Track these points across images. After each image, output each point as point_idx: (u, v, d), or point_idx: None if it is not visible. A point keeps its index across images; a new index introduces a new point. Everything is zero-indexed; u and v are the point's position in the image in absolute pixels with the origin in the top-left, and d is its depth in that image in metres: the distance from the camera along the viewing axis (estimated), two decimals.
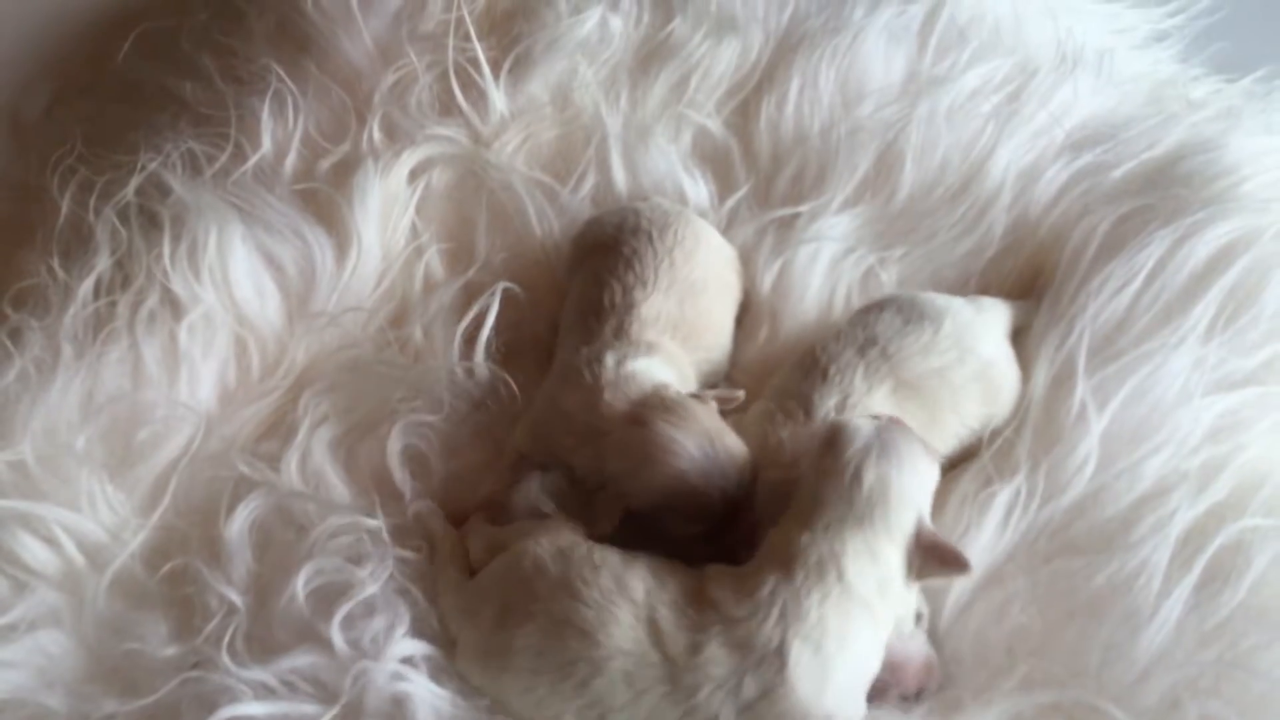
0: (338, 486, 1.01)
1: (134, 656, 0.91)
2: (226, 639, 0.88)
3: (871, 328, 1.01)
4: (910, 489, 0.87)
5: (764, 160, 1.23)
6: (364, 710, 0.85)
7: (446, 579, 0.93)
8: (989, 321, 1.04)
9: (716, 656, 0.81)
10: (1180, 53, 1.45)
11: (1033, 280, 1.12)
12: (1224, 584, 0.89)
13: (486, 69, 1.27)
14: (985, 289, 1.12)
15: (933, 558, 0.85)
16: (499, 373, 1.07)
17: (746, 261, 1.15)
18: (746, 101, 1.28)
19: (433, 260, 1.19)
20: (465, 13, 1.29)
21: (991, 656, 0.90)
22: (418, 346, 1.12)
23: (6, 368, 1.06)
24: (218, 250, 1.12)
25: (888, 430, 0.89)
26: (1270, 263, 1.04)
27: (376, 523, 0.95)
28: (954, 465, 0.99)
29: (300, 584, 0.90)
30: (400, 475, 1.01)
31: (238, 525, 0.95)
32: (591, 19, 1.30)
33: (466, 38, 1.28)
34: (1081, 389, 0.98)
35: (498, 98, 1.26)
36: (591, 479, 0.96)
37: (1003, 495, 0.95)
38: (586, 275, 1.09)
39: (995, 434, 0.99)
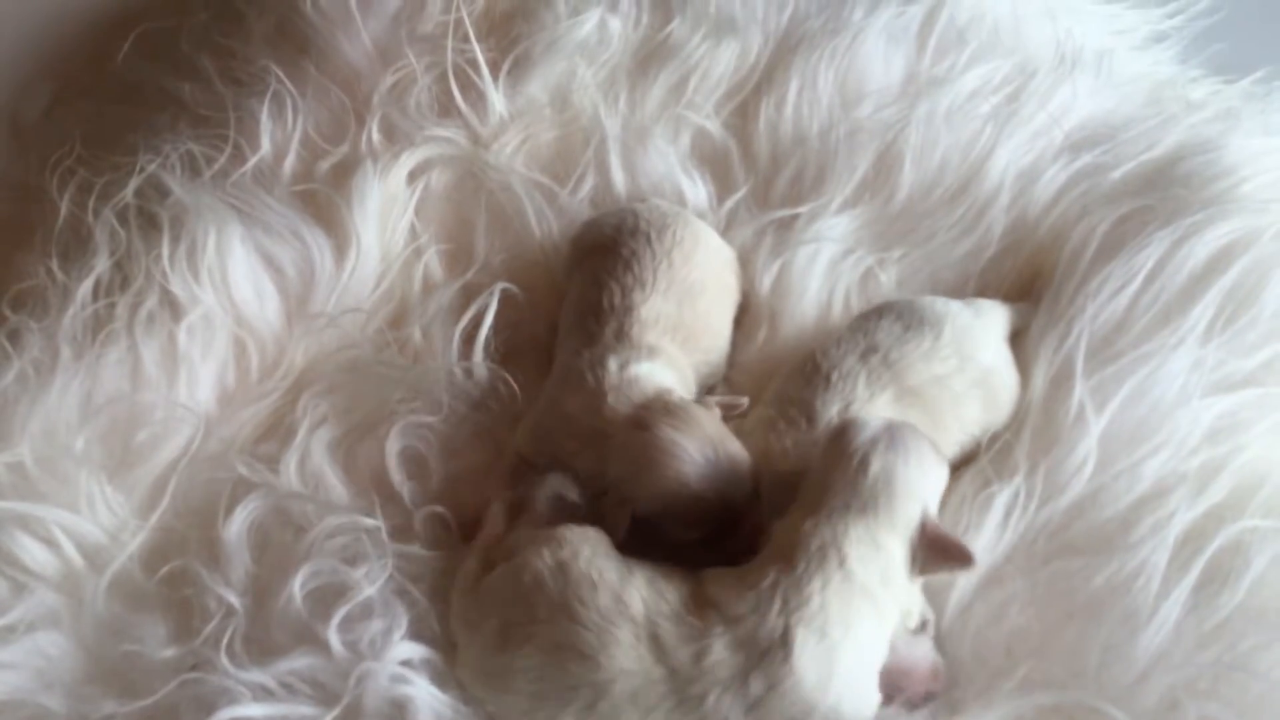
0: (336, 488, 1.00)
1: (133, 658, 0.91)
2: (225, 640, 0.88)
3: (872, 334, 1.01)
4: (916, 482, 0.87)
5: (763, 161, 1.23)
6: (363, 713, 0.85)
7: (465, 572, 0.91)
8: (988, 326, 1.04)
9: (721, 660, 0.81)
10: (1179, 54, 1.45)
11: (1031, 281, 1.12)
12: (1223, 585, 0.89)
13: (485, 70, 1.27)
14: (984, 290, 1.12)
15: (936, 551, 0.85)
16: (498, 373, 1.07)
17: (745, 263, 1.15)
18: (745, 103, 1.27)
19: (432, 261, 1.19)
20: (464, 14, 1.29)
21: (991, 657, 0.90)
22: (417, 347, 1.12)
23: (5, 369, 1.05)
24: (217, 251, 1.12)
25: (897, 426, 0.89)
26: (1269, 264, 1.04)
27: (375, 523, 0.94)
28: (954, 470, 0.98)
29: (298, 585, 0.90)
30: (399, 477, 1.00)
31: (236, 526, 0.95)
32: (590, 20, 1.30)
33: (465, 39, 1.28)
34: (1080, 390, 0.98)
35: (497, 99, 1.26)
36: (593, 483, 0.96)
37: (1001, 496, 0.95)
38: (585, 277, 1.09)
39: (994, 436, 0.99)
